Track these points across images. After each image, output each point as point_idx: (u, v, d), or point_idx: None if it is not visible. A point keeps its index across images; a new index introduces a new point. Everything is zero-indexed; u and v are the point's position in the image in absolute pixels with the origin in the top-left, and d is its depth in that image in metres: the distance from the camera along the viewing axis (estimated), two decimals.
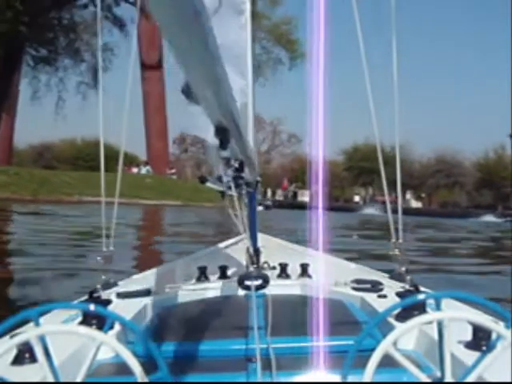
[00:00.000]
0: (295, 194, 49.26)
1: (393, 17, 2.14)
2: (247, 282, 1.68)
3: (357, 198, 64.36)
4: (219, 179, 1.79)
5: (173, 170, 44.66)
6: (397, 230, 2.21)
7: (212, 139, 1.36)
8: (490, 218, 38.76)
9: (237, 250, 3.12)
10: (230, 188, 1.68)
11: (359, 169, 65.24)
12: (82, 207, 26.46)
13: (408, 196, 68.06)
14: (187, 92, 1.19)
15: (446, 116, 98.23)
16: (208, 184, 2.05)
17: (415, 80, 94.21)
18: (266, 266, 2.27)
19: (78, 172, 41.47)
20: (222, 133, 1.28)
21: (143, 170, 41.88)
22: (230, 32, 2.17)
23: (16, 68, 39.65)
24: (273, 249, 3.23)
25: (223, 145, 1.31)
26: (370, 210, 43.03)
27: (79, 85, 44.72)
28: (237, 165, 1.58)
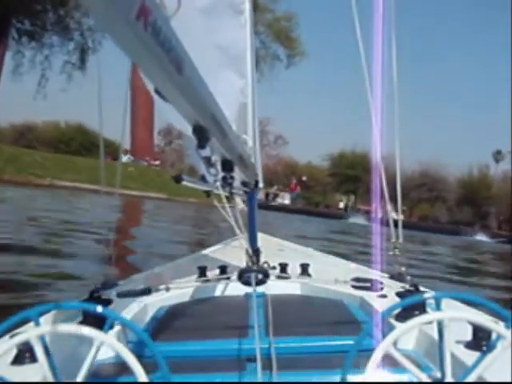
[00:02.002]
0: (275, 196, 49.08)
1: (393, 18, 2.14)
2: (247, 277, 1.68)
3: (341, 205, 64.40)
4: (203, 179, 1.76)
5: (157, 162, 43.83)
6: (396, 230, 2.20)
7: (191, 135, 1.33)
8: (481, 237, 38.72)
9: (237, 249, 3.05)
10: (218, 188, 1.67)
11: (344, 176, 65.31)
12: (54, 192, 24.24)
13: (389, 207, 68.30)
14: (159, 93, 1.14)
15: (434, 130, 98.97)
16: (185, 183, 2.04)
17: (405, 91, 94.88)
18: (265, 265, 2.23)
19: (55, 154, 38.29)
20: (200, 132, 1.25)
21: (124, 158, 40.60)
22: (228, 32, 2.15)
23: (1, 41, 37.42)
24: (273, 249, 3.19)
25: (201, 143, 1.28)
26: (358, 220, 42.88)
27: (65, 64, 41.61)
28: (219, 164, 1.56)
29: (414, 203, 65.19)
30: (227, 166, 1.64)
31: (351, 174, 65.00)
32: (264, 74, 45.36)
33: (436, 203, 63.82)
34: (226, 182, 1.68)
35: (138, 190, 30.96)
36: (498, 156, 66.05)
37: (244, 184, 2.19)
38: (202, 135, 1.26)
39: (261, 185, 2.70)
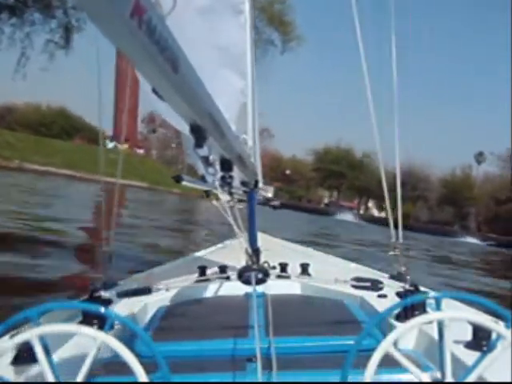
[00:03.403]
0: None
1: (392, 19, 2.15)
2: (247, 276, 1.70)
3: (326, 200, 64.47)
4: (203, 178, 1.78)
5: (141, 150, 43.06)
6: (396, 230, 2.26)
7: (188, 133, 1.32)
8: (472, 239, 38.87)
9: (237, 249, 3.02)
10: (217, 187, 1.67)
11: (328, 171, 65.35)
12: (21, 175, 22.77)
13: (370, 204, 68.86)
14: (157, 92, 1.10)
15: (419, 129, 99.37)
16: (185, 183, 2.04)
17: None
18: (265, 265, 2.18)
19: (29, 134, 36.16)
20: (197, 131, 1.25)
21: (110, 145, 39.46)
22: (228, 32, 2.14)
23: None
24: (273, 249, 3.19)
25: (198, 143, 1.28)
26: (345, 217, 42.77)
27: (47, 43, 38.67)
28: (217, 164, 1.57)
29: (396, 202, 65.31)
30: (226, 165, 1.63)
31: (335, 169, 65.16)
32: (257, 59, 43.10)
33: (418, 202, 64.41)
34: (225, 182, 1.67)
35: (114, 176, 30.22)
36: (479, 157, 66.72)
37: (244, 184, 2.17)
38: (199, 134, 1.25)
39: (261, 185, 2.67)
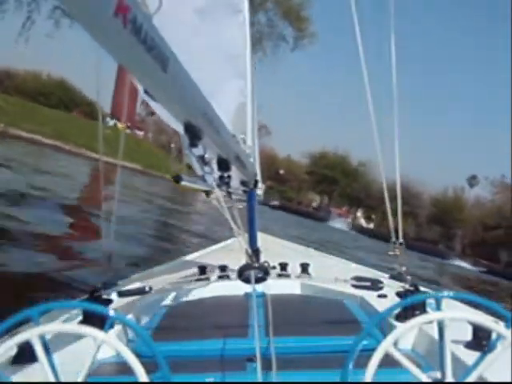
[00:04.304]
0: None
1: (392, 19, 2.18)
2: (247, 274, 1.69)
3: (315, 204, 64.43)
4: (203, 178, 1.84)
5: (141, 132, 42.32)
6: (396, 230, 2.25)
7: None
8: (463, 263, 38.58)
9: (237, 249, 2.98)
10: (214, 187, 1.68)
11: (321, 176, 65.27)
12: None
13: (359, 214, 68.95)
14: (148, 93, 1.11)
15: (416, 144, 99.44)
16: (184, 183, 2.04)
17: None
18: (265, 265, 2.16)
19: (21, 100, 34.97)
20: (191, 131, 1.26)
21: (111, 123, 38.53)
22: (226, 32, 2.12)
23: None
24: (273, 249, 3.17)
25: (193, 142, 1.29)
26: (337, 224, 42.68)
27: (54, 10, 37.62)
28: (214, 163, 1.58)
29: (386, 215, 65.38)
30: (223, 164, 1.63)
31: (329, 174, 65.06)
32: (267, 54, 41.04)
33: (408, 218, 64.55)
34: (223, 181, 1.66)
35: (110, 156, 29.15)
36: (472, 181, 66.85)
37: (243, 183, 2.16)
38: (193, 134, 1.26)
39: (260, 185, 2.67)
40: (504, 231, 55.64)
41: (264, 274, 1.74)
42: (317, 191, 69.24)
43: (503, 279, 31.32)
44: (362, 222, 66.27)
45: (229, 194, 1.79)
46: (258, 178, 2.67)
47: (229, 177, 1.67)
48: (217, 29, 2.16)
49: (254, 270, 1.72)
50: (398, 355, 1.04)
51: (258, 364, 1.25)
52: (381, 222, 65.22)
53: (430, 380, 1.06)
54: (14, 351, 1.32)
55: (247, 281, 1.71)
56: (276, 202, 42.29)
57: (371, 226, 64.29)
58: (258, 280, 1.72)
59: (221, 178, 1.65)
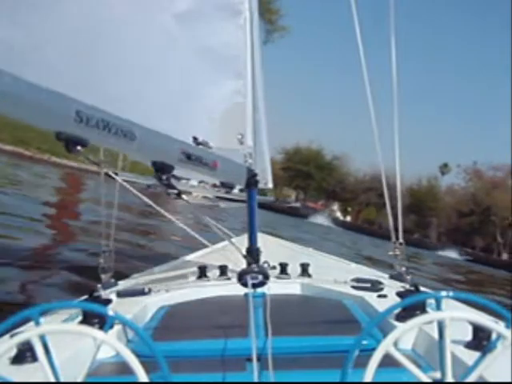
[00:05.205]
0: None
1: (392, 19, 2.24)
2: (246, 279, 1.75)
3: (292, 197, 64.28)
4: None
5: None
6: (397, 230, 2.33)
7: None
8: (451, 253, 38.77)
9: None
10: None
11: (296, 171, 64.95)
12: None
13: (335, 207, 69.08)
14: None
15: (390, 134, 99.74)
16: (119, 178, 2.13)
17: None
18: (265, 265, 2.15)
19: None
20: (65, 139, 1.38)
21: None
22: (223, 34, 2.15)
23: None
24: (273, 249, 3.18)
25: (69, 149, 1.39)
26: (317, 220, 42.51)
27: None
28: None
29: (362, 207, 65.82)
30: (157, 167, 1.68)
31: (304, 169, 64.80)
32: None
33: (383, 209, 64.43)
34: (162, 183, 1.71)
35: (76, 160, 24.39)
36: (444, 169, 67.34)
37: (223, 185, 2.12)
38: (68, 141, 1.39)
39: (270, 185, 2.68)
40: (478, 217, 56.37)
41: (264, 278, 1.77)
42: (292, 186, 68.99)
43: (490, 267, 31.99)
44: (339, 215, 66.32)
45: (167, 186, 1.79)
46: (268, 177, 2.67)
47: (168, 179, 1.72)
48: (208, 32, 2.16)
49: (252, 273, 1.76)
50: (397, 355, 1.04)
51: (255, 364, 1.27)
52: (357, 214, 65.47)
53: (429, 380, 1.06)
54: (13, 351, 1.31)
55: (247, 285, 1.75)
56: (297, 204, 42.64)
57: (348, 218, 64.42)
58: (258, 285, 1.77)
59: (160, 179, 1.69)
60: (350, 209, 67.34)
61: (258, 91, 2.33)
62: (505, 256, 53.33)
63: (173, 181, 1.78)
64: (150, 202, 2.36)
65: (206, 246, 3.55)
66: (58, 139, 1.34)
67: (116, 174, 2.08)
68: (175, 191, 1.86)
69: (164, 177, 1.69)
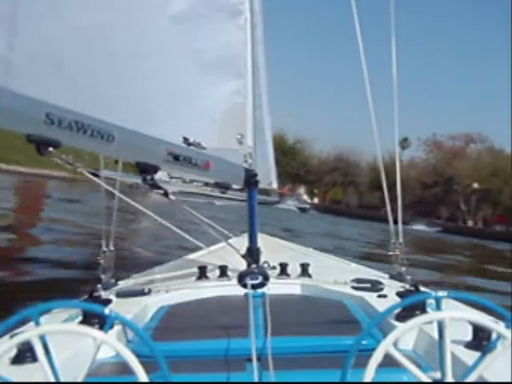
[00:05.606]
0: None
1: (392, 18, 2.26)
2: (247, 280, 1.74)
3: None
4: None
5: None
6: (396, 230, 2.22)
7: None
8: (420, 226, 39.05)
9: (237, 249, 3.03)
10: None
11: None
12: None
13: (301, 191, 69.20)
14: None
15: (350, 113, 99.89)
16: (105, 176, 2.13)
17: (324, 75, 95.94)
18: (265, 265, 2.16)
19: None
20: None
21: None
22: (223, 34, 2.17)
23: None
24: (273, 249, 3.17)
25: (40, 151, 1.45)
26: (288, 205, 42.41)
27: None
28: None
29: (328, 187, 66.10)
30: (141, 167, 1.70)
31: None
32: None
33: (349, 188, 65.17)
34: (147, 183, 1.73)
35: (28, 166, 21.61)
36: (403, 143, 67.56)
37: (218, 185, 2.12)
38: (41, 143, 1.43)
39: (275, 185, 2.71)
40: (441, 188, 57.27)
41: (264, 278, 1.79)
42: None
43: (457, 235, 33.29)
44: (306, 197, 66.42)
45: (152, 186, 1.81)
46: (273, 177, 2.69)
47: (152, 179, 1.74)
48: (208, 32, 2.16)
49: (253, 274, 1.78)
50: (397, 355, 1.04)
51: (255, 364, 1.29)
52: (323, 195, 65.70)
53: (429, 380, 1.06)
54: (13, 351, 1.31)
55: (247, 287, 1.75)
56: (306, 205, 42.66)
57: (315, 200, 64.58)
58: (258, 286, 1.78)
59: (144, 180, 1.72)
60: (316, 191, 67.51)
61: (261, 91, 2.38)
62: (470, 223, 54.52)
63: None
64: (137, 205, 2.25)
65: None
66: (28, 141, 1.37)
67: (96, 175, 2.06)
68: (161, 191, 1.86)
69: (148, 177, 1.71)
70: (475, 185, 54.72)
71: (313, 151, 67.51)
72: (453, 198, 57.19)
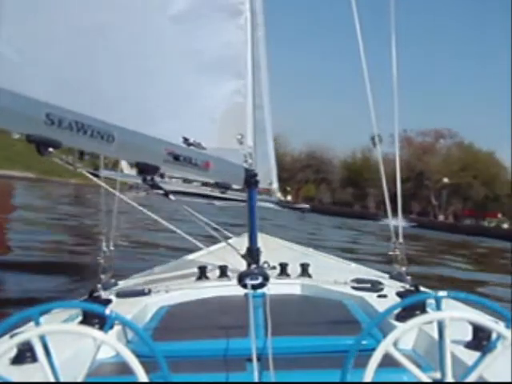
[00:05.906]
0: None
1: (392, 18, 2.28)
2: (247, 280, 1.73)
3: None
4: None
5: None
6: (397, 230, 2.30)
7: None
8: (394, 221, 39.40)
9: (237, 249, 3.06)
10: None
11: None
12: None
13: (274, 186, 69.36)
14: None
15: (322, 112, 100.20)
16: (105, 176, 2.16)
17: (297, 73, 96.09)
18: (265, 265, 2.15)
19: None
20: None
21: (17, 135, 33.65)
22: (223, 34, 2.17)
23: None
24: (273, 249, 3.17)
25: (39, 151, 1.44)
26: (266, 203, 42.22)
27: None
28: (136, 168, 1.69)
29: (301, 185, 66.37)
30: (141, 167, 1.70)
31: None
32: None
33: (321, 185, 65.54)
34: (147, 183, 1.73)
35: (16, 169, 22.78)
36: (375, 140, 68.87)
37: (218, 185, 2.11)
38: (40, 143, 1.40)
39: (275, 185, 2.84)
40: (413, 183, 58.08)
41: (264, 279, 1.78)
42: None
43: (431, 230, 34.87)
44: (279, 195, 66.66)
45: (152, 187, 1.80)
46: (273, 177, 2.68)
47: (152, 179, 1.73)
48: (208, 32, 2.15)
49: (253, 275, 1.77)
50: (397, 355, 1.04)
51: (255, 364, 1.29)
52: (296, 192, 65.90)
53: (429, 380, 1.06)
54: (14, 351, 1.31)
55: (247, 287, 1.74)
56: (307, 206, 42.45)
57: (289, 198, 64.83)
58: (258, 286, 1.77)
59: (144, 180, 1.72)
60: (289, 188, 67.80)
61: (262, 91, 2.37)
62: (441, 217, 55.47)
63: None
64: (139, 207, 2.26)
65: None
66: (28, 142, 1.38)
67: (96, 175, 2.07)
68: (161, 191, 1.85)
69: (148, 177, 1.72)
70: (445, 180, 55.63)
71: (286, 149, 67.85)
72: (424, 193, 58.11)
